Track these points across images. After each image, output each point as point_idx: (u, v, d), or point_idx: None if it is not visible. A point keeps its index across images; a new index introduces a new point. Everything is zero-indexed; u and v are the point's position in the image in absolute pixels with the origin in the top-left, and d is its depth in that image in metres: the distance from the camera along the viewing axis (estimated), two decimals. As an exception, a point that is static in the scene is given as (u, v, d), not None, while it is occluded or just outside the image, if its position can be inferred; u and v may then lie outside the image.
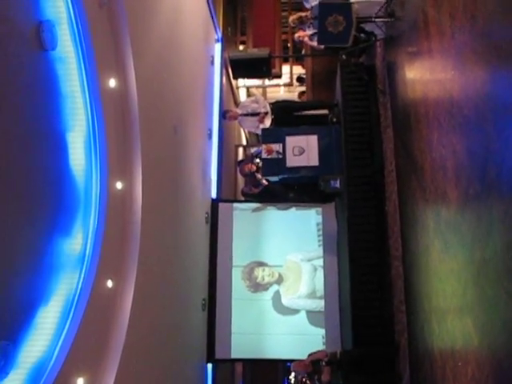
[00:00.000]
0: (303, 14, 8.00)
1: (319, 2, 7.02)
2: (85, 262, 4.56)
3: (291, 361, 8.77)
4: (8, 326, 3.61)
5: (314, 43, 7.89)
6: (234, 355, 8.64)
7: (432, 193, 5.00)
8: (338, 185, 7.96)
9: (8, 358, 3.51)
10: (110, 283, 4.88)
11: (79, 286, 4.44)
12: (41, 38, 4.05)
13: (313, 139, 8.25)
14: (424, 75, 5.39)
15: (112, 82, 5.17)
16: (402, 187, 6.44)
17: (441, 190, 4.65)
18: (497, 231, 3.31)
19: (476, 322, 3.83)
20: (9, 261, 3.61)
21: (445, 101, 4.52)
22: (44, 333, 4.01)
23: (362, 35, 7.23)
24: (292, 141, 8.27)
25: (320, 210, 9.14)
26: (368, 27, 7.21)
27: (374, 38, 7.27)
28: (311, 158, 8.20)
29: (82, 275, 4.50)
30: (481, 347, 3.71)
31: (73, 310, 4.31)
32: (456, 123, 4.22)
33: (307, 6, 7.97)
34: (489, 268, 3.45)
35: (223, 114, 9.31)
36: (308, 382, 9.03)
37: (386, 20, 6.73)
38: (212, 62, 9.90)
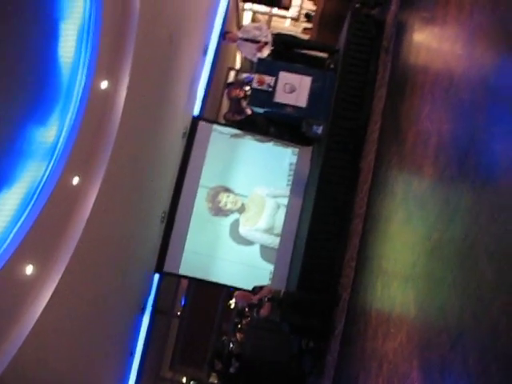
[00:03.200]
0: None
1: None
2: (55, 154, 4.53)
3: (236, 288, 9.03)
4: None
5: (332, -17, 7.66)
6: (182, 271, 8.83)
7: (408, 163, 5.05)
8: (319, 131, 7.93)
9: (-38, 234, 3.53)
10: (76, 180, 4.87)
11: (45, 177, 4.43)
12: None
13: (306, 80, 8.14)
14: (431, 45, 5.32)
15: (117, -23, 4.97)
16: (381, 149, 6.48)
17: (417, 163, 4.70)
18: (460, 219, 3.39)
19: (417, 296, 3.98)
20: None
21: (445, 77, 4.50)
22: (2, 215, 4.02)
23: (383, -13, 7.04)
24: (285, 77, 8.15)
25: (296, 150, 9.16)
26: (390, -20, 7.01)
27: (392, -6, 7.09)
28: (300, 99, 8.12)
29: (50, 167, 4.48)
30: (415, 321, 3.87)
31: (34, 198, 4.32)
32: (449, 103, 4.22)
33: None
34: (443, 251, 3.56)
35: (223, 35, 9.07)
36: (247, 312, 9.35)
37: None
38: (224, -24, 9.56)
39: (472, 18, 4.14)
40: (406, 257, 4.51)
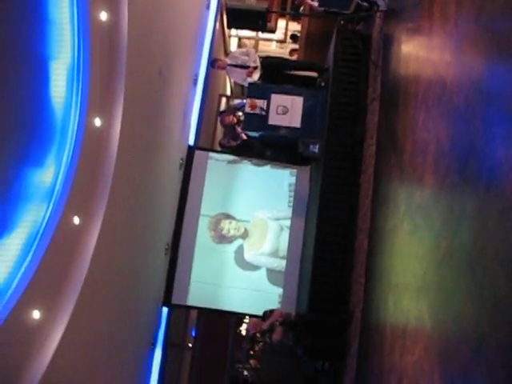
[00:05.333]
0: None
1: (324, -37, 6.85)
2: (53, 196, 4.50)
3: (245, 315, 8.95)
4: (-31, 252, 3.57)
5: (315, 3, 7.73)
6: (190, 302, 8.75)
7: (409, 174, 5.03)
8: (316, 150, 7.93)
9: (-35, 284, 3.49)
10: (76, 220, 4.83)
11: (45, 219, 4.39)
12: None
13: (298, 100, 8.17)
14: (420, 55, 5.34)
15: (103, 15, 5.00)
16: (380, 163, 6.47)
17: (418, 173, 4.68)
18: (466, 226, 3.35)
19: (431, 308, 3.93)
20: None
21: (437, 85, 4.50)
22: (5, 261, 3.98)
23: (365, 3, 7.10)
24: (277, 99, 8.18)
25: (295, 171, 9.15)
26: (371, -4, 7.08)
27: (375, 8, 7.14)
28: (294, 119, 8.14)
29: (50, 208, 4.45)
30: (431, 332, 3.81)
31: (36, 242, 4.28)
32: (444, 110, 4.22)
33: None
34: (453, 260, 3.51)
35: (212, 63, 9.14)
36: (259, 337, 9.25)
37: (390, -9, 6.62)
38: (208, 6, 9.65)
39: (458, 27, 4.16)
40: (415, 268, 4.46)
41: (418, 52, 5.41)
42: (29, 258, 4.17)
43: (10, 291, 4.00)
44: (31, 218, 4.23)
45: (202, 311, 9.91)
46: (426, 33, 5.09)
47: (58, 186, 4.51)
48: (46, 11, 4.21)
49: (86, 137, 4.82)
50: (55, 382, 4.63)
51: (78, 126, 4.71)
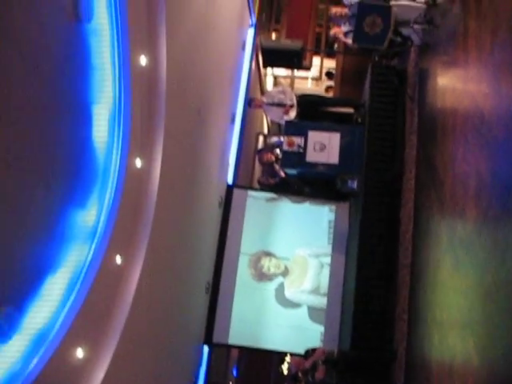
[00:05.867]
0: (344, 10, 7.88)
1: (359, 1, 6.94)
2: (96, 236, 4.59)
3: (287, 353, 8.81)
4: (14, 292, 3.65)
5: (349, 41, 7.81)
6: (231, 341, 8.70)
7: (449, 208, 4.96)
8: (355, 185, 7.92)
9: (12, 324, 3.56)
10: (118, 259, 4.91)
11: (88, 259, 4.48)
12: (78, 8, 4.05)
13: (335, 137, 8.21)
14: (456, 88, 5.32)
15: (143, 59, 5.17)
16: (419, 197, 6.40)
17: (459, 206, 4.61)
18: (511, 259, 3.27)
19: (478, 344, 3.81)
20: (21, 227, 3.64)
21: (475, 117, 4.46)
22: (49, 301, 4.05)
23: (398, 39, 7.13)
24: (314, 136, 8.24)
25: (334, 207, 9.12)
26: (405, 31, 7.11)
27: (409, 43, 7.17)
28: (331, 156, 8.17)
29: (92, 248, 4.53)
30: (480, 370, 3.69)
31: (80, 281, 4.35)
32: (484, 142, 4.17)
33: (346, 2, 7.86)
34: (499, 294, 3.42)
35: (248, 102, 9.28)
36: (301, 377, 9.08)
37: (424, 27, 6.63)
38: (243, 47, 9.86)
39: (494, 57, 4.14)
40: (459, 304, 4.36)
41: (455, 84, 5.40)
42: (72, 297, 4.23)
43: (54, 330, 4.06)
44: (75, 257, 4.32)
45: (243, 350, 9.82)
46: (462, 65, 5.08)
47: (100, 227, 4.61)
48: (88, 57, 4.37)
49: (128, 178, 4.93)
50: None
51: (119, 168, 4.83)
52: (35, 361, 3.83)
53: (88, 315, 4.39)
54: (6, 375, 3.59)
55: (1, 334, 3.45)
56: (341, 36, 8.22)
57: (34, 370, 3.79)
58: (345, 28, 7.84)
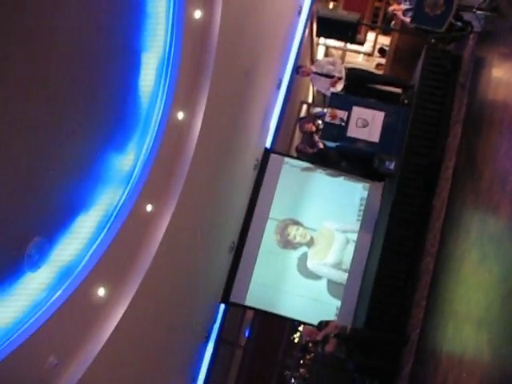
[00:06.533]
0: None
1: (423, -20, 6.75)
2: (131, 181, 4.69)
3: (301, 322, 8.90)
4: (48, 225, 3.78)
5: (407, 19, 7.63)
6: (248, 302, 8.82)
7: (484, 202, 4.89)
8: (392, 167, 7.83)
9: (42, 254, 3.69)
10: (149, 207, 5.01)
11: (120, 203, 4.59)
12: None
13: (379, 115, 8.10)
14: (511, 82, 5.18)
15: (197, 13, 5.16)
16: (455, 187, 6.32)
17: (494, 202, 4.55)
18: (539, 261, 3.24)
19: (491, 341, 3.81)
20: (59, 163, 3.73)
21: (524, 114, 4.37)
22: (79, 238, 4.18)
23: (459, 23, 6.93)
24: (358, 112, 8.15)
25: (368, 186, 9.06)
26: (466, 16, 6.91)
27: (469, 29, 6.97)
28: (373, 134, 8.08)
29: (126, 193, 4.64)
30: (490, 367, 3.70)
31: (110, 223, 4.47)
32: (529, 140, 4.09)
33: (409, -20, 7.66)
34: (520, 294, 3.40)
35: (296, 69, 9.19)
36: (311, 347, 9.22)
37: (487, 13, 6.43)
38: (299, 13, 9.71)
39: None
40: (479, 299, 4.34)
41: (510, 78, 5.26)
42: (101, 237, 4.36)
43: (80, 266, 4.20)
44: (108, 200, 4.42)
45: (259, 313, 9.96)
46: (520, 59, 4.95)
47: (135, 173, 4.70)
48: (144, 4, 4.38)
49: (168, 129, 4.99)
50: (114, 354, 4.81)
51: (161, 118, 4.88)
52: (59, 293, 3.98)
53: (113, 257, 4.52)
54: (32, 302, 3.74)
55: (31, 262, 3.59)
56: (399, 14, 8.05)
57: (56, 302, 3.94)
58: (405, 6, 7.67)
